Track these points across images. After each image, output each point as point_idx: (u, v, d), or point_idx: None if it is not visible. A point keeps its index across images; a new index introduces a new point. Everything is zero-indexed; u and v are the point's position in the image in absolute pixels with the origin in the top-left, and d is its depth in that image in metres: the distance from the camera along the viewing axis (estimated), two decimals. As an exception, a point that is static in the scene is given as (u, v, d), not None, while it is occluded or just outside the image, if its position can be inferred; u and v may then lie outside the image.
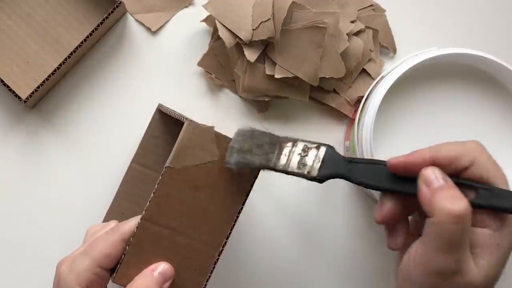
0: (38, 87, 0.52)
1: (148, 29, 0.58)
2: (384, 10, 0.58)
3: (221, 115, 0.57)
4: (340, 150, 0.57)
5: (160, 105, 0.53)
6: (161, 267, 0.39)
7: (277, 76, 0.53)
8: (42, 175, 0.56)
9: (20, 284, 0.55)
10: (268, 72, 0.54)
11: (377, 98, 0.47)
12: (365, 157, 0.47)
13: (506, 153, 0.49)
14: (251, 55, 0.53)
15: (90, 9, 0.57)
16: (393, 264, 0.56)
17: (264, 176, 0.58)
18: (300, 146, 0.37)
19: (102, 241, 0.39)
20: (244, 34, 0.53)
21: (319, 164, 0.36)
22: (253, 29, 0.53)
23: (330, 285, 0.56)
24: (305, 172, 0.36)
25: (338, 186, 0.57)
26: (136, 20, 0.58)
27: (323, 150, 0.36)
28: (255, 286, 0.56)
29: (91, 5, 0.57)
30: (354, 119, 0.51)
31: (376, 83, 0.50)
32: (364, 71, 0.57)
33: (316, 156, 0.36)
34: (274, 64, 0.54)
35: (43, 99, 0.57)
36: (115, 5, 0.53)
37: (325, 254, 0.56)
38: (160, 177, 0.39)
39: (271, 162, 0.38)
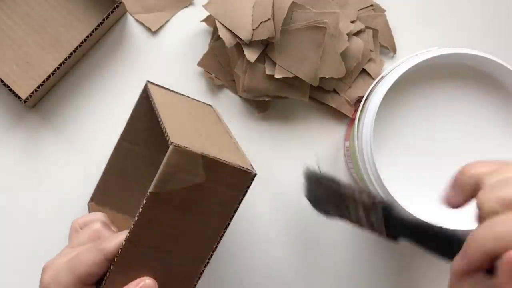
0: (38, 87, 0.52)
1: (148, 29, 0.58)
2: (384, 10, 0.58)
3: (221, 115, 0.57)
4: (340, 150, 0.57)
5: (148, 82, 0.51)
6: (144, 283, 0.39)
7: (277, 76, 0.53)
8: (42, 175, 0.56)
9: (19, 283, 0.55)
10: (268, 72, 0.54)
11: (377, 98, 0.47)
12: (365, 157, 0.47)
13: (506, 153, 0.49)
14: (251, 55, 0.53)
15: (90, 9, 0.57)
16: (393, 264, 0.56)
17: (262, 176, 0.58)
18: (359, 204, 0.33)
19: (86, 259, 0.39)
20: (244, 34, 0.53)
21: (382, 226, 0.32)
22: (253, 29, 0.53)
23: (330, 285, 0.56)
24: (376, 232, 0.33)
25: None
26: (136, 20, 0.58)
27: (380, 211, 0.32)
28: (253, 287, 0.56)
29: (91, 5, 0.57)
30: (354, 119, 0.51)
31: (376, 83, 0.50)
32: (364, 71, 0.57)
33: (377, 217, 0.32)
34: (274, 64, 0.54)
35: (43, 99, 0.57)
36: (115, 5, 0.53)
37: (325, 255, 0.56)
38: (144, 201, 0.38)
39: (344, 217, 0.35)
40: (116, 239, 0.39)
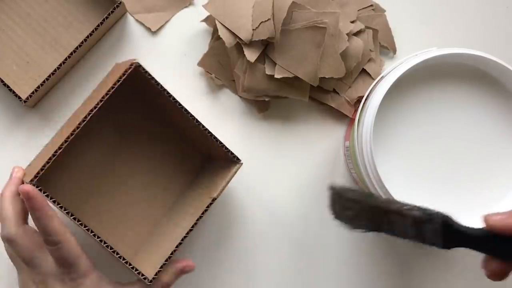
0: (38, 87, 0.52)
1: (148, 29, 0.58)
2: (384, 10, 0.58)
3: (221, 115, 0.57)
4: (340, 150, 0.57)
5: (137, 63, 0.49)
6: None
7: (277, 76, 0.53)
8: (42, 175, 0.56)
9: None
10: (268, 72, 0.54)
11: (377, 98, 0.47)
12: (365, 157, 0.47)
13: (506, 153, 0.49)
14: (251, 55, 0.53)
15: (90, 9, 0.57)
16: (394, 264, 0.56)
17: (262, 176, 0.58)
18: (408, 218, 0.33)
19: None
20: (244, 34, 0.53)
21: (439, 238, 0.33)
22: (253, 29, 0.53)
23: (329, 285, 0.56)
24: (428, 244, 0.34)
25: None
26: (136, 20, 0.58)
27: (437, 225, 0.33)
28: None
29: (91, 5, 0.57)
30: (354, 119, 0.51)
31: (376, 83, 0.50)
32: (364, 71, 0.57)
33: (432, 230, 0.33)
34: (274, 64, 0.54)
35: (43, 99, 0.57)
36: (115, 5, 0.53)
37: (324, 255, 0.56)
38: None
39: (386, 231, 0.35)
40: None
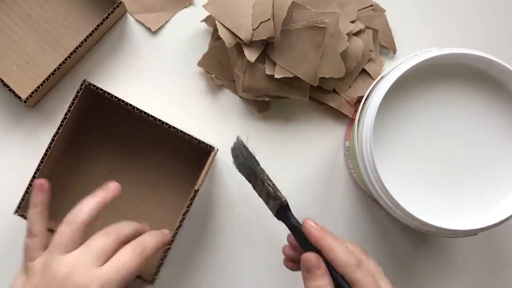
0: (38, 87, 0.52)
1: (148, 29, 0.58)
2: (384, 10, 0.58)
3: (221, 115, 0.57)
4: (340, 150, 0.57)
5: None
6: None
7: (277, 76, 0.53)
8: (42, 175, 0.56)
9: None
10: (268, 72, 0.54)
11: (377, 98, 0.47)
12: (365, 157, 0.47)
13: (506, 153, 0.49)
14: (251, 55, 0.53)
15: (90, 9, 0.57)
16: (393, 264, 0.56)
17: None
18: (265, 188, 0.45)
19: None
20: (244, 34, 0.53)
21: (274, 211, 0.45)
22: (253, 29, 0.53)
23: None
24: (268, 207, 0.46)
25: (338, 187, 0.57)
26: (136, 20, 0.58)
27: (277, 203, 0.44)
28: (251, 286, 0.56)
29: (91, 5, 0.57)
30: (354, 119, 0.51)
31: (376, 83, 0.50)
32: (364, 71, 0.57)
33: (274, 204, 0.45)
34: (274, 64, 0.54)
35: (43, 99, 0.57)
36: (115, 5, 0.53)
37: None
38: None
39: (252, 184, 0.46)
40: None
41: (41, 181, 0.48)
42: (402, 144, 0.49)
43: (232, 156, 0.47)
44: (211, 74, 0.57)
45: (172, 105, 0.57)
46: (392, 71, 0.49)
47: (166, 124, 0.49)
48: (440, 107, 0.50)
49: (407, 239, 0.57)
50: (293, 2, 0.53)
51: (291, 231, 0.44)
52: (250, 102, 0.57)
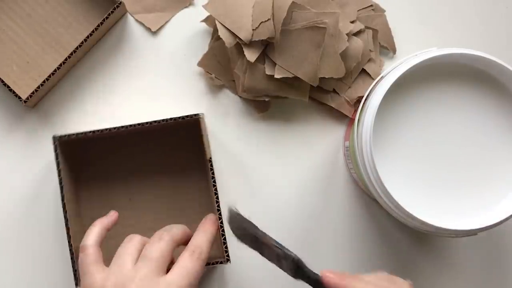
0: (38, 87, 0.52)
1: (148, 29, 0.58)
2: (384, 10, 0.58)
3: (221, 115, 0.57)
4: (340, 150, 0.57)
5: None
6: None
7: (277, 76, 0.53)
8: (42, 175, 0.56)
9: (18, 283, 0.55)
10: (268, 72, 0.54)
11: (377, 98, 0.47)
12: (365, 157, 0.47)
13: (506, 153, 0.49)
14: (251, 55, 0.53)
15: (90, 9, 0.57)
16: (393, 264, 0.56)
17: (262, 176, 0.58)
18: (273, 252, 0.44)
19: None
20: (244, 34, 0.53)
21: (291, 272, 0.44)
22: (253, 29, 0.53)
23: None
24: (283, 270, 0.44)
25: (338, 187, 0.57)
26: (136, 20, 0.58)
27: (290, 263, 0.43)
28: (252, 285, 0.56)
29: (91, 5, 0.57)
30: (354, 119, 0.51)
31: (376, 83, 0.50)
32: (364, 71, 0.57)
33: (287, 265, 0.43)
34: (274, 64, 0.54)
35: (43, 99, 0.57)
36: (115, 5, 0.53)
37: (323, 255, 0.56)
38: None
39: (260, 252, 0.45)
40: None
41: (115, 212, 0.50)
42: (402, 144, 0.49)
43: (232, 229, 0.46)
44: (211, 74, 0.57)
45: (172, 105, 0.57)
46: (392, 71, 0.49)
47: (146, 123, 0.49)
48: (440, 107, 0.50)
49: (407, 239, 0.57)
50: (293, 2, 0.53)
51: (311, 285, 0.43)
52: (250, 102, 0.57)
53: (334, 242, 0.56)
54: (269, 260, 0.44)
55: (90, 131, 0.50)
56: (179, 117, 0.49)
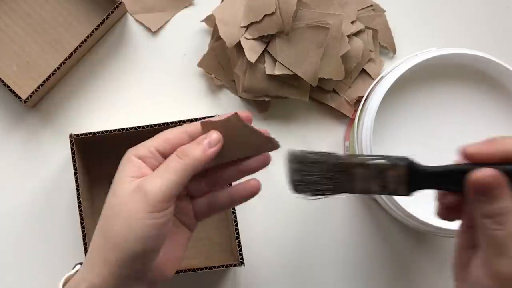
0: (38, 87, 0.52)
1: (148, 29, 0.58)
2: (384, 10, 0.58)
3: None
4: (340, 150, 0.57)
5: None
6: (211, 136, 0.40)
7: (277, 72, 0.53)
8: (42, 175, 0.56)
9: (19, 282, 0.55)
10: (268, 71, 0.54)
11: (377, 98, 0.47)
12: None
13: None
14: (251, 55, 0.53)
15: (90, 9, 0.57)
16: (393, 265, 0.56)
17: (262, 176, 0.58)
18: (372, 168, 0.34)
19: (166, 131, 0.41)
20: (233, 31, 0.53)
21: (401, 186, 0.34)
22: (256, 22, 0.52)
23: (329, 284, 0.56)
24: (389, 192, 0.35)
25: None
26: (136, 20, 0.58)
27: (401, 170, 0.33)
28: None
29: (91, 5, 0.57)
30: (354, 119, 0.51)
31: (376, 83, 0.50)
32: (364, 71, 0.57)
33: (396, 177, 0.34)
34: (275, 62, 0.54)
35: (43, 99, 0.57)
36: (115, 5, 0.53)
37: (323, 255, 0.56)
38: None
39: (347, 189, 0.36)
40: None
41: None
42: (402, 144, 0.49)
43: (297, 177, 0.36)
44: (211, 74, 0.57)
45: (172, 105, 0.57)
46: (392, 71, 0.49)
47: (164, 124, 0.49)
48: (439, 107, 0.50)
49: (407, 239, 0.57)
50: (298, 0, 0.52)
51: (440, 181, 0.34)
52: (250, 102, 0.57)
53: (334, 242, 0.56)
54: (362, 189, 0.35)
55: (107, 131, 0.50)
56: (184, 121, 0.50)
